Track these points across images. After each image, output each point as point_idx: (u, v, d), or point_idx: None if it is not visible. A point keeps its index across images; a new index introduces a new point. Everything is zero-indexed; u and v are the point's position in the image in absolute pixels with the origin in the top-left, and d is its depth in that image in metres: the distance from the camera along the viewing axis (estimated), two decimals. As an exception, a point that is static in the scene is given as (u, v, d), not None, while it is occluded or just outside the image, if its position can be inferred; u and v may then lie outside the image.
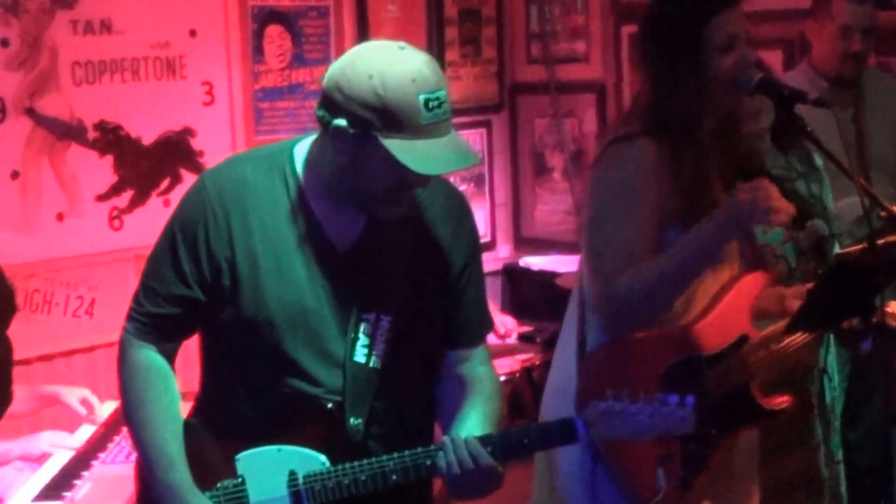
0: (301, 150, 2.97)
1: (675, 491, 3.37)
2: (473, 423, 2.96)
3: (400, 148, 2.74)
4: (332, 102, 2.79)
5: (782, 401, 3.56)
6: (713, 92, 3.38)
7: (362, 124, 2.76)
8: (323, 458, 2.91)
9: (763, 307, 3.51)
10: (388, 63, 2.76)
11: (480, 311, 3.15)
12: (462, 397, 3.05)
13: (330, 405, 2.93)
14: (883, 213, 3.11)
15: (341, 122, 2.78)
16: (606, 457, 3.48)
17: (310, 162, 2.95)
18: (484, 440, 2.87)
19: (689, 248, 3.33)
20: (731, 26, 3.39)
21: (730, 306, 3.47)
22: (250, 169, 2.97)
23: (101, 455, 4.05)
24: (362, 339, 2.94)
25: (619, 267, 3.34)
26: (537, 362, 5.29)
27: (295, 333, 2.92)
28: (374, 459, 2.89)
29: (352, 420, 2.93)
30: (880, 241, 3.10)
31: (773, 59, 5.62)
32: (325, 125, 2.83)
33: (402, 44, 2.83)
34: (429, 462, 2.87)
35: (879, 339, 3.45)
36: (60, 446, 4.11)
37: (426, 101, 2.73)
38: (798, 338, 3.50)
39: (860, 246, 3.13)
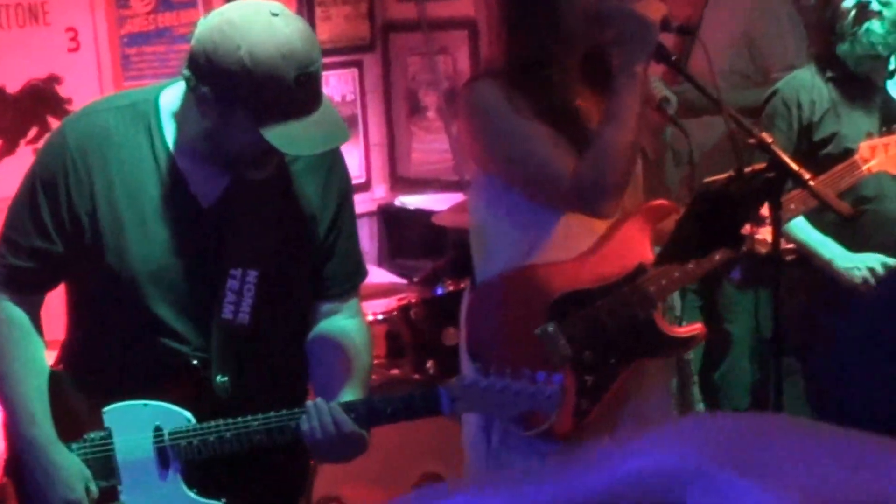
0: (166, 99, 2.90)
1: (572, 420, 3.38)
2: (340, 382, 2.97)
3: (269, 127, 2.69)
4: (198, 66, 2.72)
5: (693, 329, 3.60)
6: (570, 26, 3.35)
7: (228, 95, 2.70)
8: (189, 415, 2.91)
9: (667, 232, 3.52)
10: (258, 34, 2.67)
11: (351, 263, 3.14)
12: (331, 353, 3.05)
13: (195, 362, 2.91)
14: (751, 141, 3.14)
15: (206, 88, 2.72)
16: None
17: (176, 116, 2.89)
18: (348, 406, 2.88)
19: (621, 100, 3.29)
20: None
21: (628, 236, 3.48)
22: (113, 119, 2.91)
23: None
24: (229, 296, 2.91)
25: (564, 163, 3.32)
26: (413, 300, 5.27)
27: (159, 289, 2.90)
28: (239, 419, 2.88)
29: (218, 378, 2.93)
30: (747, 170, 3.12)
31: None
32: (190, 86, 2.76)
33: (275, 7, 2.74)
34: (293, 425, 2.87)
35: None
36: None
37: (296, 77, 2.67)
38: (702, 264, 3.51)
39: (727, 174, 3.15)
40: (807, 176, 3.10)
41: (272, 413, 2.88)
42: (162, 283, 2.90)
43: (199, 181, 2.91)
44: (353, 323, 3.12)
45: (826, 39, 4.30)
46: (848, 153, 4.04)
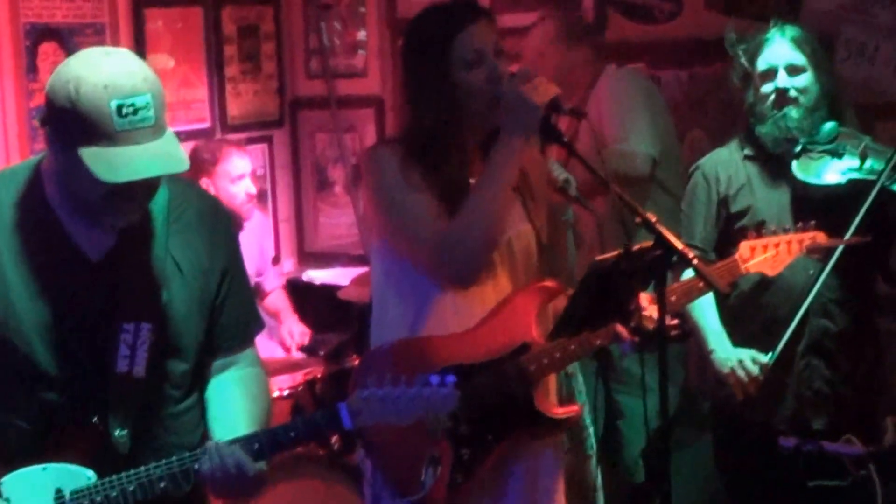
0: (48, 162, 2.94)
1: (445, 492, 3.41)
2: (237, 424, 2.99)
3: (92, 155, 2.71)
4: (44, 108, 2.79)
5: (569, 410, 3.64)
6: (468, 107, 3.43)
7: (62, 130, 2.77)
8: (90, 472, 2.87)
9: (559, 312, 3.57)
10: (85, 69, 2.75)
11: (245, 314, 3.17)
12: (228, 403, 3.07)
13: (94, 419, 2.90)
14: (637, 220, 3.18)
15: (48, 128, 2.78)
16: (380, 453, 3.53)
17: (52, 175, 2.92)
18: (251, 438, 2.89)
19: (494, 170, 3.39)
20: (476, 42, 3.44)
21: (514, 313, 3.53)
22: None
23: None
24: (123, 349, 2.91)
25: (435, 228, 3.40)
26: (319, 375, 5.30)
27: (51, 348, 2.89)
28: (141, 469, 2.86)
29: (117, 432, 2.91)
30: (635, 247, 3.18)
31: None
32: (43, 130, 2.82)
33: (112, 49, 2.85)
34: (196, 466, 2.86)
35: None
36: None
37: (119, 108, 2.71)
38: (582, 347, 3.57)
39: (616, 252, 3.22)
40: (691, 255, 3.15)
41: (174, 458, 2.88)
42: (53, 341, 2.90)
43: (85, 237, 2.93)
44: (249, 372, 3.15)
45: (747, 122, 4.44)
46: (762, 225, 4.15)
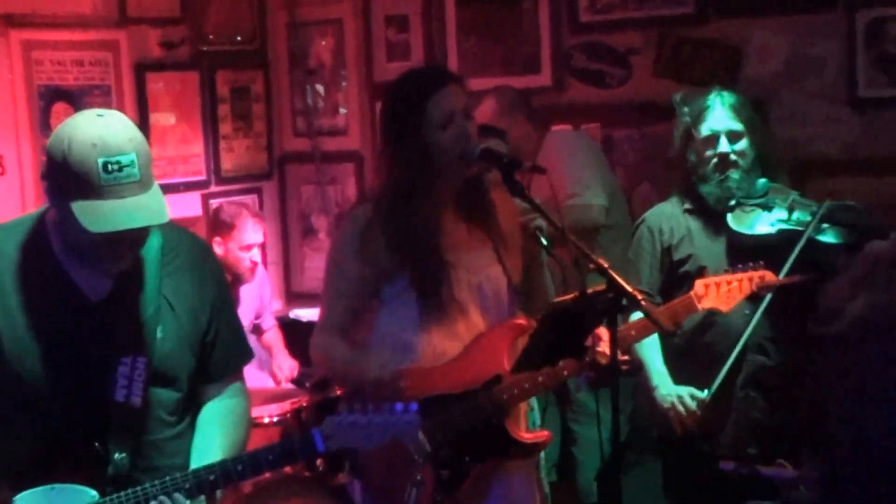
0: (51, 214, 3.11)
1: None
2: (207, 455, 3.17)
3: (81, 208, 2.86)
4: (44, 163, 2.99)
5: (538, 435, 3.82)
6: (441, 164, 3.62)
7: (56, 184, 2.94)
8: (94, 492, 3.01)
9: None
10: (78, 128, 2.90)
11: (233, 347, 3.34)
12: (206, 431, 3.26)
13: (95, 444, 3.07)
14: (591, 266, 3.39)
15: (47, 182, 2.97)
16: (368, 476, 3.74)
17: (54, 224, 3.09)
18: (234, 460, 3.06)
19: (352, 368, 3.71)
20: (447, 104, 3.60)
21: (488, 348, 3.68)
22: (4, 236, 3.14)
23: None
24: (121, 381, 3.05)
25: (326, 323, 3.69)
26: (305, 404, 5.47)
27: (55, 380, 3.05)
28: (139, 487, 3.00)
29: (116, 455, 3.07)
30: (590, 290, 3.37)
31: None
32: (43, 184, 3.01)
33: (103, 111, 2.98)
34: (187, 486, 3.02)
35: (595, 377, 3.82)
36: None
37: (105, 164, 2.85)
38: (550, 378, 3.74)
39: (573, 294, 3.40)
40: (640, 297, 3.34)
41: (168, 478, 3.00)
42: (58, 374, 3.03)
43: (85, 280, 3.05)
44: (230, 404, 3.30)
45: (688, 179, 4.63)
46: (702, 270, 4.34)
